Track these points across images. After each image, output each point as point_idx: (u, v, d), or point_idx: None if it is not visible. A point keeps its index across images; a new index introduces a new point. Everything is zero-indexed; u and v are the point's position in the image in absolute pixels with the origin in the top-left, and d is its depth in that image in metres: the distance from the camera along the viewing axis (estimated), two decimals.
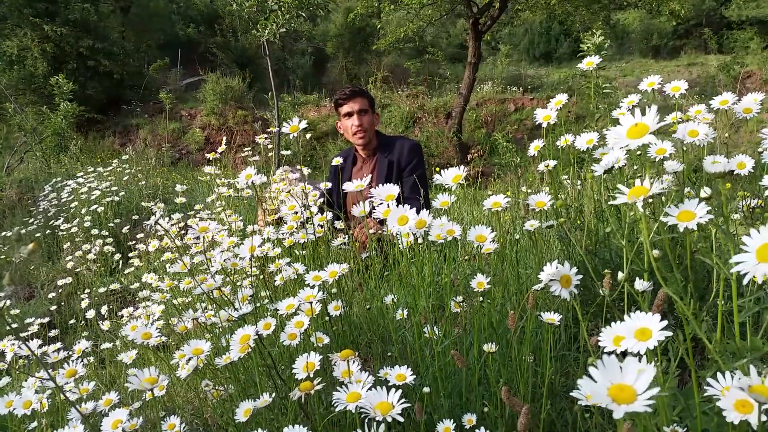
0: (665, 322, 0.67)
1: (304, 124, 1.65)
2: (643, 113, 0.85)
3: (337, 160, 2.48)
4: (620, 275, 0.95)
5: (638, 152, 1.82)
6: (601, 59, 1.72)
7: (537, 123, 1.69)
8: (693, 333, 0.83)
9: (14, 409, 1.42)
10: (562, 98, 1.68)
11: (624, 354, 0.68)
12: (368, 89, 15.47)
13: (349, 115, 3.05)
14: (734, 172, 1.06)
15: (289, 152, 2.95)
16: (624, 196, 0.86)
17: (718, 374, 0.73)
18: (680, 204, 0.86)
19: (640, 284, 0.96)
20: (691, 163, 1.59)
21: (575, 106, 13.57)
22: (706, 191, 0.84)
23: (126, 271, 3.99)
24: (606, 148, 1.59)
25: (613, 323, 0.76)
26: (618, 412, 0.57)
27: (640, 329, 0.69)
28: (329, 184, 2.43)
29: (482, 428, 0.76)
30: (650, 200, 0.84)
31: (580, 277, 1.06)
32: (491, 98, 15.53)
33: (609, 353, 0.66)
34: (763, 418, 0.65)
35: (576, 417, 1.17)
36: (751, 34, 19.44)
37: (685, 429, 0.79)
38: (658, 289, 0.89)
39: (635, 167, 1.94)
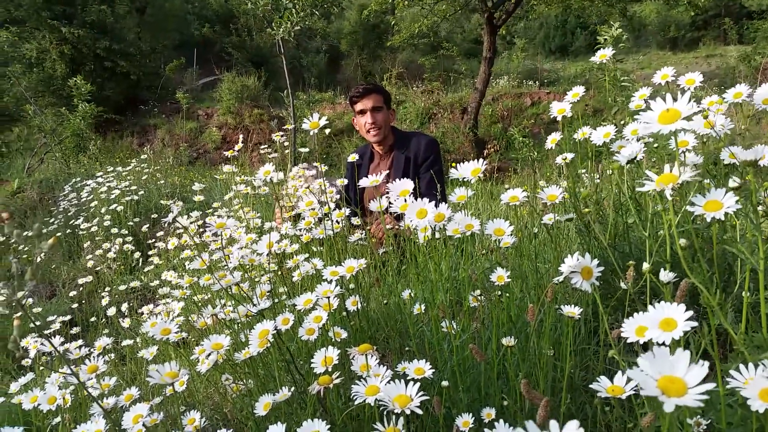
0: (690, 313, 0.66)
1: (324, 121, 1.66)
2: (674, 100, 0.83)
3: (353, 157, 2.48)
4: (645, 266, 0.94)
5: (655, 145, 1.80)
6: (614, 51, 1.70)
7: (553, 117, 1.67)
8: (716, 325, 0.82)
9: (39, 404, 1.44)
10: (578, 90, 1.66)
11: (645, 345, 0.67)
12: (383, 85, 15.43)
13: (362, 112, 3.06)
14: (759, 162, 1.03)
15: (305, 149, 2.96)
16: (652, 182, 0.85)
17: (741, 366, 0.71)
18: (706, 194, 0.84)
19: (665, 275, 0.94)
20: (710, 154, 1.56)
21: (593, 100, 13.45)
22: (735, 181, 0.82)
23: (146, 269, 4.03)
24: (623, 141, 1.57)
25: (634, 315, 0.75)
26: (669, 405, 0.55)
27: (665, 319, 0.68)
28: (346, 181, 2.43)
29: (501, 421, 0.76)
30: (674, 190, 0.82)
31: (601, 269, 1.05)
32: (507, 93, 15.42)
33: (632, 344, 0.65)
34: None
35: (596, 410, 1.16)
36: None
37: (709, 422, 0.78)
38: (680, 281, 0.87)
39: (653, 159, 1.92)
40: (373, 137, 3.06)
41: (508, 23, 13.83)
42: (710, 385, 0.56)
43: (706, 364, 0.58)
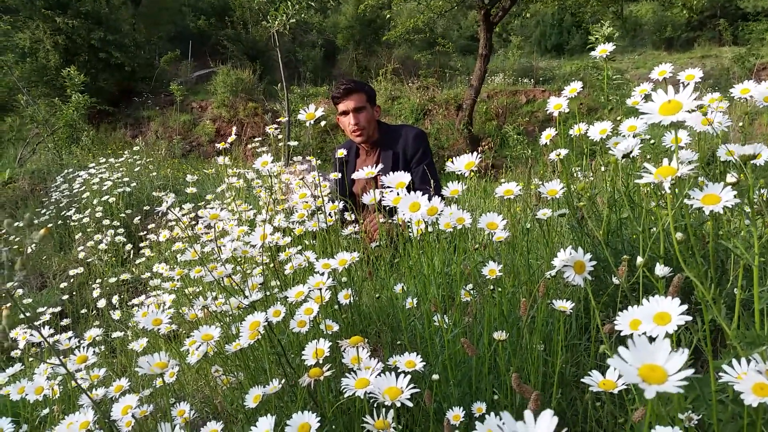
0: (685, 307, 0.66)
1: (320, 112, 1.64)
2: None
3: (341, 152, 2.45)
4: (639, 260, 0.93)
5: (651, 141, 1.80)
6: (614, 46, 1.69)
7: (549, 114, 1.66)
8: (709, 319, 0.81)
9: (27, 395, 1.43)
10: (576, 86, 1.65)
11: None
12: (379, 81, 15.34)
13: (345, 113, 2.99)
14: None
15: (297, 143, 2.93)
16: (650, 175, 0.84)
17: (734, 361, 0.71)
18: (703, 188, 0.84)
19: (660, 269, 0.94)
20: (706, 152, 1.56)
21: (587, 98, 13.47)
22: (733, 176, 0.82)
23: (137, 261, 4.01)
24: (618, 137, 1.57)
25: (629, 308, 0.75)
26: (649, 392, 0.56)
27: (659, 313, 0.68)
28: (340, 175, 2.42)
29: (492, 414, 0.76)
30: (672, 184, 0.82)
31: (594, 263, 1.05)
32: (502, 90, 15.42)
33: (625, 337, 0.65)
34: None
35: (587, 406, 1.16)
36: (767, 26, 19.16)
37: (700, 417, 0.78)
38: (673, 277, 0.87)
39: (648, 157, 1.91)
40: (358, 138, 3.02)
41: (505, 21, 13.85)
42: (689, 372, 0.57)
43: (686, 351, 0.59)
